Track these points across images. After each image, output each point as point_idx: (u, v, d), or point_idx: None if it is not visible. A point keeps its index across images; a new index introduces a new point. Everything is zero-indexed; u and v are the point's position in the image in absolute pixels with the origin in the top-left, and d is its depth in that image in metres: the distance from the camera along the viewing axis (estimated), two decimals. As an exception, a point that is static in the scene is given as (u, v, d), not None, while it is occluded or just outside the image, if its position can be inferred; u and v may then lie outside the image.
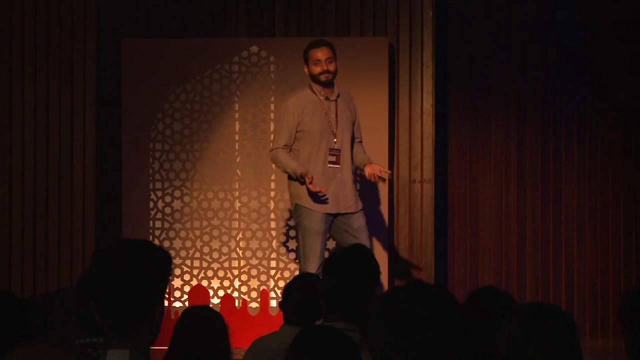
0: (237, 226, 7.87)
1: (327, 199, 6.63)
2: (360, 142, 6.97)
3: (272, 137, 7.87)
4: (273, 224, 7.86)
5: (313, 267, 6.56)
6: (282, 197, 7.83)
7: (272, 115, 7.90)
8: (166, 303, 7.59)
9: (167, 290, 7.65)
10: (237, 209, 7.86)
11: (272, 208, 7.85)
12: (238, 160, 7.91)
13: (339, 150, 6.74)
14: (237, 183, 7.90)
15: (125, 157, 7.86)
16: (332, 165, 6.71)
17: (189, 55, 7.88)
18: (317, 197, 6.62)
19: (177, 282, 7.82)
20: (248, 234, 7.85)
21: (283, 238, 7.82)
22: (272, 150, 6.80)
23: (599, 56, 8.12)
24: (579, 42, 8.13)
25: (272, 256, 7.82)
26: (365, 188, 7.75)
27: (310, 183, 6.52)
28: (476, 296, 3.66)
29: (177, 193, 7.90)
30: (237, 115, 7.95)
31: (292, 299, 4.43)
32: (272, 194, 7.85)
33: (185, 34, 7.96)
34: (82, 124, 7.99)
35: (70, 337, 3.75)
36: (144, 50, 7.88)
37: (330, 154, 6.73)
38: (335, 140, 6.74)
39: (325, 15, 7.94)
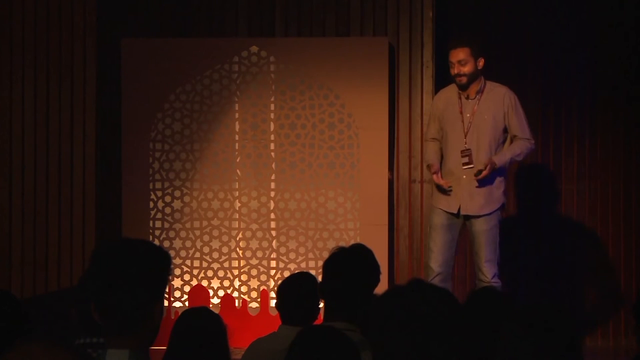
0: (237, 226, 7.87)
1: (451, 191, 6.69)
2: (523, 138, 6.73)
3: (272, 137, 7.90)
4: (273, 224, 7.85)
5: (434, 262, 6.70)
6: (282, 197, 7.83)
7: (272, 115, 7.90)
8: (166, 303, 7.59)
9: (167, 290, 7.66)
10: (237, 209, 7.86)
11: (272, 208, 7.85)
12: (238, 160, 7.90)
13: (469, 149, 6.70)
14: (237, 183, 7.90)
15: (125, 157, 7.86)
16: (466, 167, 6.70)
17: (189, 55, 7.88)
18: (439, 192, 6.76)
19: (177, 282, 7.82)
20: (248, 234, 7.85)
21: (283, 238, 7.82)
22: (424, 141, 7.09)
23: (599, 56, 8.12)
24: (579, 42, 8.12)
25: (272, 256, 7.82)
26: (366, 187, 7.75)
27: (435, 174, 6.72)
28: (476, 296, 3.67)
29: (177, 193, 7.90)
30: (237, 115, 7.95)
31: (286, 299, 4.43)
32: (272, 194, 7.85)
33: (185, 34, 7.96)
34: (82, 124, 7.99)
35: (70, 337, 3.75)
36: (144, 50, 7.88)
37: (462, 155, 6.72)
38: (465, 140, 6.72)
39: (325, 15, 7.94)
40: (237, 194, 7.87)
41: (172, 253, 7.68)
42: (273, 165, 7.88)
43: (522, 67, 8.16)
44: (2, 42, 8.01)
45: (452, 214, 6.72)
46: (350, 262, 3.97)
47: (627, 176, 8.11)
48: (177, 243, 7.86)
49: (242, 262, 7.82)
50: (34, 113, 8.01)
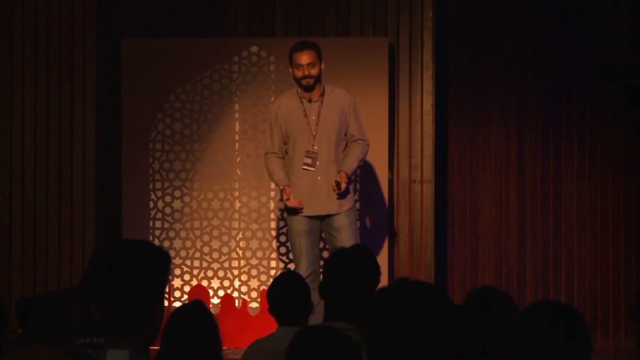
0: (237, 226, 7.87)
1: (302, 209, 6.56)
2: (360, 140, 6.72)
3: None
4: (273, 224, 7.86)
5: (302, 268, 6.54)
6: (282, 197, 7.83)
7: (272, 115, 7.90)
8: (166, 303, 7.60)
9: (167, 290, 7.66)
10: (237, 209, 7.86)
11: (272, 208, 7.85)
12: (238, 160, 7.91)
13: (316, 152, 6.60)
14: (237, 183, 7.90)
15: (125, 157, 7.86)
16: (306, 168, 6.59)
17: (189, 55, 7.88)
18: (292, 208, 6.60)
19: (177, 282, 7.83)
20: (248, 234, 7.85)
21: (283, 238, 7.82)
22: (265, 154, 6.78)
23: (599, 56, 8.12)
24: (578, 42, 8.13)
25: (272, 256, 7.83)
26: (366, 188, 7.76)
27: (288, 199, 6.54)
28: (475, 296, 3.67)
29: (177, 193, 7.90)
30: (237, 115, 7.95)
31: (277, 300, 4.43)
32: (272, 194, 7.85)
33: (185, 34, 7.97)
34: (82, 124, 8.00)
35: (70, 337, 3.75)
36: (144, 50, 7.89)
37: (306, 156, 6.60)
38: (314, 143, 6.62)
39: (325, 15, 7.95)
40: (237, 194, 7.87)
41: (172, 253, 7.68)
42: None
43: (522, 67, 8.16)
44: (2, 42, 8.01)
45: (311, 217, 6.61)
46: (350, 262, 3.97)
47: (627, 176, 8.11)
48: (177, 243, 7.87)
49: (242, 262, 7.83)
50: (34, 113, 8.01)
